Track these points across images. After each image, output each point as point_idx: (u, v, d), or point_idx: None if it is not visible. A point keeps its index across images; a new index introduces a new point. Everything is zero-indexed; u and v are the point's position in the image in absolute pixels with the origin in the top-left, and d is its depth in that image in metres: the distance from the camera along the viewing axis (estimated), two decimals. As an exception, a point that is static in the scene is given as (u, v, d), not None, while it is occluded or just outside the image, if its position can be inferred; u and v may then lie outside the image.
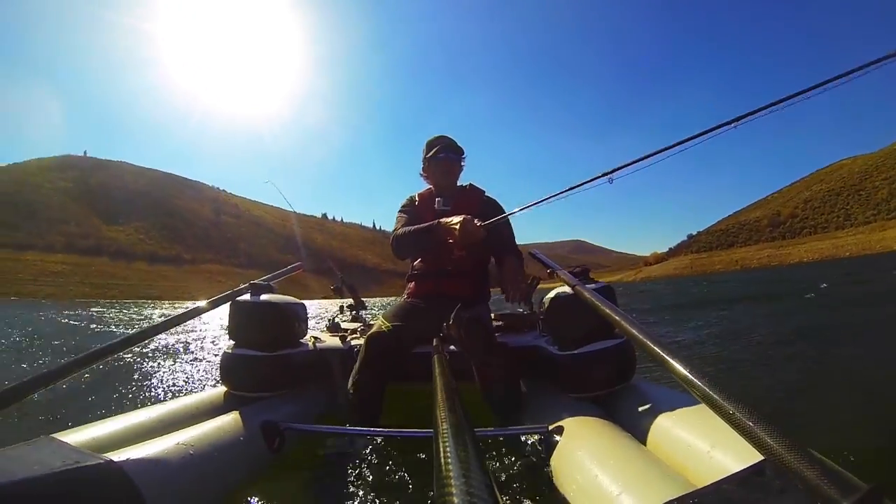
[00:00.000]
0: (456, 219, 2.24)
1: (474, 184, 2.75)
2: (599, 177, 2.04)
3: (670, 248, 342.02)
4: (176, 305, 39.72)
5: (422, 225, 2.38)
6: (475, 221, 2.20)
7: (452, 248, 2.38)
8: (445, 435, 0.69)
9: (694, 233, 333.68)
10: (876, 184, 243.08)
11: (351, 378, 2.12)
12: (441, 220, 2.31)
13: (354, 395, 2.09)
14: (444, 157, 2.58)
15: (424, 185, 2.78)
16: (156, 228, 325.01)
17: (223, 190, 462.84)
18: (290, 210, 4.14)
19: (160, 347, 6.45)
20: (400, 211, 2.67)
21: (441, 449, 0.65)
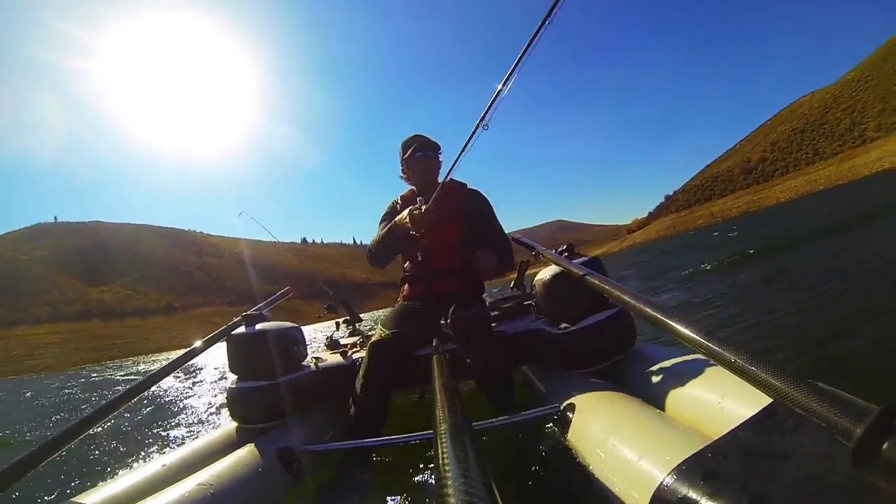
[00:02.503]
0: (404, 213, 2.31)
1: (454, 178, 2.70)
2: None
3: (650, 213, 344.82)
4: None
5: (382, 231, 2.47)
6: (420, 207, 2.25)
7: (420, 239, 2.44)
8: (445, 436, 0.70)
9: (671, 193, 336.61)
10: (837, 115, 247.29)
11: (356, 387, 2.13)
12: (395, 218, 2.40)
13: (360, 405, 2.11)
14: (420, 155, 2.56)
15: (406, 187, 2.78)
16: (141, 282, 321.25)
17: (200, 232, 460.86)
18: (271, 238, 4.13)
19: (161, 395, 6.40)
20: (380, 222, 2.68)
21: (441, 450, 0.66)
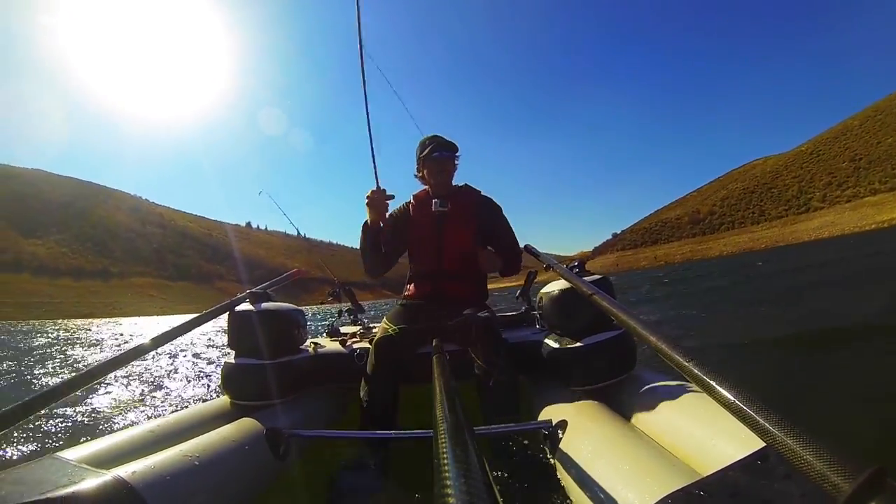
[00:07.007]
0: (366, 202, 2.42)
1: (469, 184, 2.74)
2: None
3: (596, 247, 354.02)
4: (109, 323, 37.50)
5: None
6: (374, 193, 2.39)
7: (429, 241, 2.52)
8: (445, 435, 0.69)
9: (618, 231, 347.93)
10: (787, 182, 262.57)
11: (365, 386, 2.11)
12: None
13: (371, 403, 2.08)
14: (438, 155, 2.53)
15: (420, 187, 2.76)
16: (79, 241, 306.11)
17: (146, 199, 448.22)
18: (293, 226, 4.02)
19: (152, 363, 6.24)
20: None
21: (440, 449, 0.65)
